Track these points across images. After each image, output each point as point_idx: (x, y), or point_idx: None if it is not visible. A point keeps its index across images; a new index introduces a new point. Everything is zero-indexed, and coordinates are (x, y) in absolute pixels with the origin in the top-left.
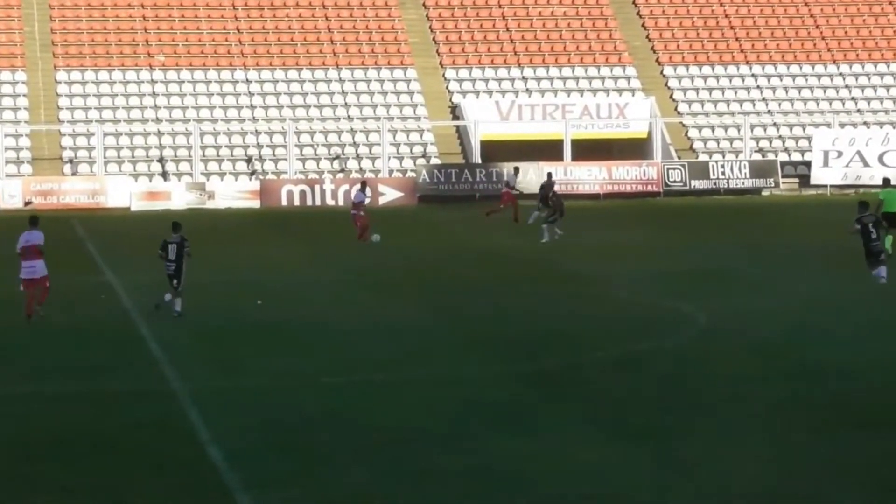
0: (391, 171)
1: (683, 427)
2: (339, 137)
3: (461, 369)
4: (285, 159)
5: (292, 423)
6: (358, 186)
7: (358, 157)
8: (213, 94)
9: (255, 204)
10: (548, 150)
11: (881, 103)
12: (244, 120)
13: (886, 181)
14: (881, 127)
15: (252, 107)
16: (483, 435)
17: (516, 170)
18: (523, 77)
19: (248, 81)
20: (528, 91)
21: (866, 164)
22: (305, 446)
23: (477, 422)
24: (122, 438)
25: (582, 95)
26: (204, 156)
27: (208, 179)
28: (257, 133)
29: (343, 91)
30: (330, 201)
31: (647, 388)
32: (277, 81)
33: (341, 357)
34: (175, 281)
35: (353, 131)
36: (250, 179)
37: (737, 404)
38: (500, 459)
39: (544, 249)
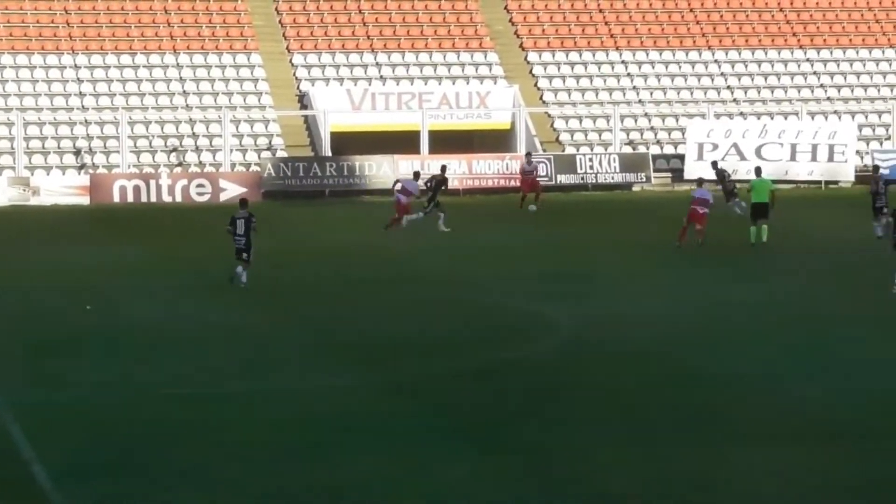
0: (234, 165)
1: (553, 439)
2: (177, 129)
3: (311, 379)
4: (118, 152)
5: (125, 440)
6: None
7: (197, 150)
8: (38, 81)
9: (85, 200)
10: (403, 142)
11: (758, 92)
12: (72, 109)
13: (758, 170)
14: (758, 118)
15: (81, 94)
16: (337, 450)
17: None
18: (377, 63)
19: (76, 67)
20: (383, 78)
21: (743, 158)
22: (139, 464)
23: (329, 436)
24: None
25: (440, 83)
26: (28, 148)
27: (33, 174)
28: (87, 123)
29: (181, 78)
30: (167, 197)
31: (514, 399)
32: (109, 67)
33: (180, 367)
34: (245, 254)
35: (191, 122)
36: (79, 174)
37: (608, 414)
38: (356, 477)
39: (400, 249)
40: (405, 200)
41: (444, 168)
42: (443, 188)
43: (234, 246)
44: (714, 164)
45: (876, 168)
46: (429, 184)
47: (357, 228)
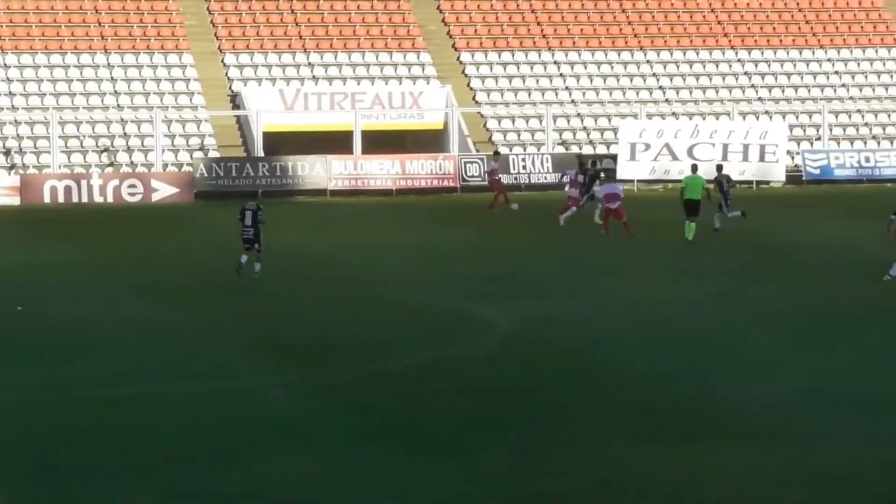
0: (165, 165)
1: (486, 438)
2: (108, 128)
3: (241, 380)
4: (48, 152)
5: (48, 442)
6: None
7: (129, 150)
8: None
9: (15, 201)
10: (336, 142)
11: (690, 92)
12: (2, 109)
13: (694, 168)
14: (690, 118)
15: (11, 94)
16: (265, 453)
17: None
18: (309, 63)
19: (5, 66)
20: (315, 78)
21: (675, 158)
22: (62, 467)
23: (258, 438)
24: None
25: (373, 83)
26: None
27: None
28: (17, 123)
29: (112, 78)
30: (98, 198)
31: (447, 399)
32: (39, 67)
33: (109, 368)
34: (256, 245)
35: (123, 122)
36: (9, 174)
37: (543, 415)
38: (284, 480)
39: (334, 249)
40: (575, 193)
41: (594, 163)
42: (598, 181)
43: (242, 236)
44: (719, 167)
45: (720, 167)
46: (583, 178)
47: (290, 229)
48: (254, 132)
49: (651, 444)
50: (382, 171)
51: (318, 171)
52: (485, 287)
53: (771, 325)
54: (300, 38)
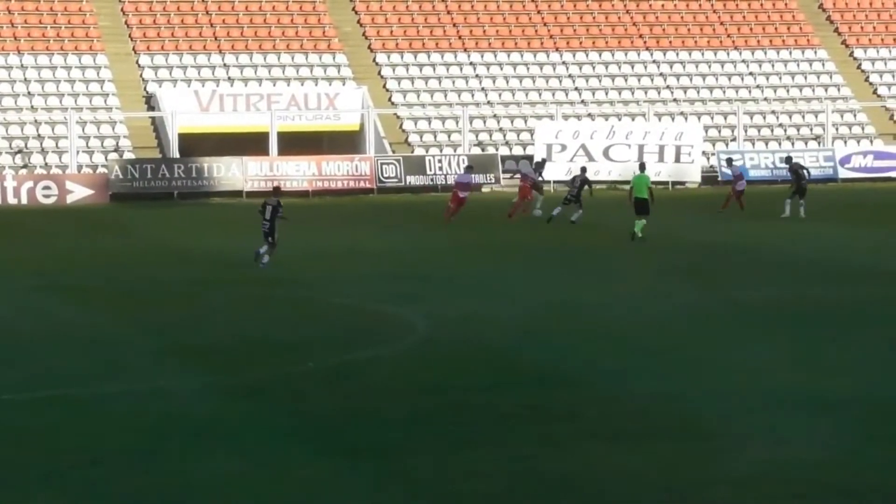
0: (80, 167)
1: (408, 440)
2: (22, 130)
3: (159, 382)
4: None
5: None
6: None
7: (43, 152)
8: None
9: None
10: (252, 143)
11: (606, 94)
12: None
13: (642, 166)
14: (606, 119)
15: None
16: (185, 455)
17: (541, 162)
18: (225, 65)
19: None
20: (231, 80)
21: (592, 159)
22: None
23: (179, 440)
24: None
25: (289, 85)
26: None
27: None
28: None
29: (26, 79)
30: (12, 199)
31: (366, 400)
32: None
33: (24, 371)
34: (270, 238)
35: (37, 123)
36: None
37: (464, 415)
38: (203, 481)
39: (251, 251)
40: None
41: (584, 169)
42: (587, 187)
43: (261, 229)
44: (788, 158)
45: (584, 169)
46: (574, 183)
47: (206, 230)
48: (169, 134)
49: (571, 444)
50: (298, 173)
51: (234, 173)
52: (405, 287)
53: (692, 324)
54: (215, 39)
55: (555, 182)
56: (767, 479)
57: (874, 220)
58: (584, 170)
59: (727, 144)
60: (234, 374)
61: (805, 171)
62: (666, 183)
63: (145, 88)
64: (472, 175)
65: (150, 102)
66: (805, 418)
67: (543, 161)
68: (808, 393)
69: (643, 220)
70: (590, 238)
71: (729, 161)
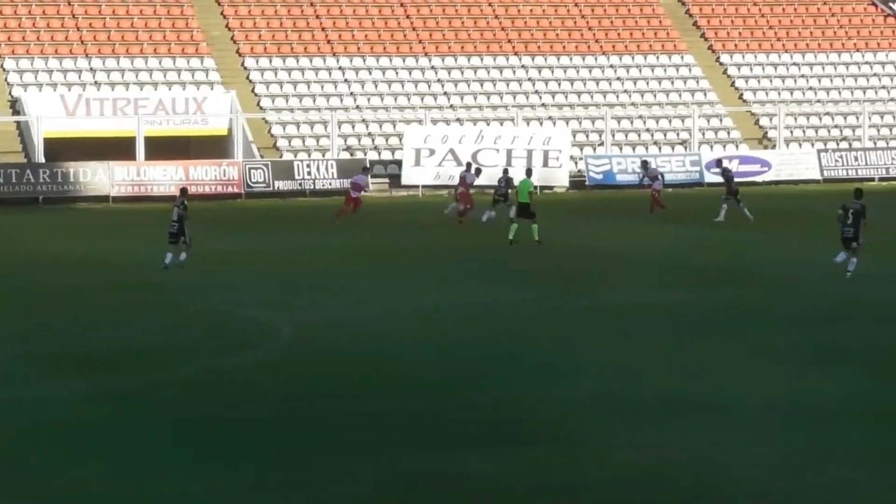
0: None
1: (275, 446)
2: None
3: (25, 389)
4: None
5: None
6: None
7: None
8: None
9: None
10: (119, 148)
11: (474, 98)
12: None
13: (529, 172)
14: (475, 123)
15: None
16: (52, 463)
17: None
18: (91, 69)
19: None
20: (97, 84)
21: (460, 163)
22: None
23: (46, 448)
24: None
25: (156, 89)
26: None
27: None
28: None
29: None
30: None
31: (234, 406)
32: None
33: None
34: (182, 238)
35: None
36: None
37: (332, 421)
38: (71, 489)
39: (118, 256)
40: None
41: (506, 170)
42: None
43: (168, 230)
44: (719, 162)
45: (505, 171)
46: (500, 183)
47: (72, 236)
48: (34, 138)
49: (437, 449)
50: (166, 178)
51: (100, 178)
52: (272, 293)
53: (559, 328)
54: (82, 42)
55: (423, 187)
56: (630, 482)
57: (739, 225)
58: (506, 171)
59: (595, 149)
60: (102, 381)
61: (729, 174)
62: (534, 187)
63: (10, 93)
64: (368, 177)
65: (15, 107)
66: (667, 421)
67: (475, 167)
68: (670, 396)
69: (534, 225)
70: (460, 242)
71: (644, 164)
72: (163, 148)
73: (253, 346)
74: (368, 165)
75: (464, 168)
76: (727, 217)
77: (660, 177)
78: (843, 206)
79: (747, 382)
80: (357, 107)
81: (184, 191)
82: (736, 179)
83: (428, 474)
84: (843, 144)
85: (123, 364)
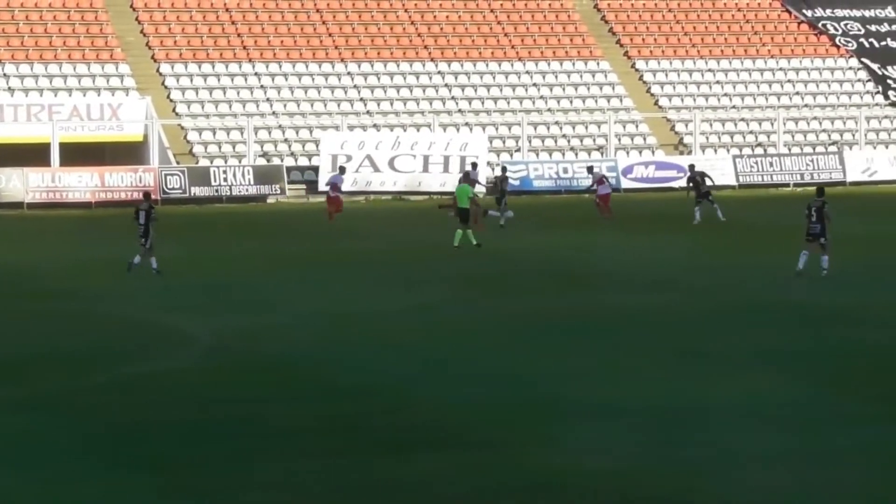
0: None
1: (192, 454)
2: None
3: None
4: None
5: None
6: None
7: None
8: None
9: None
10: (33, 154)
11: (391, 104)
12: None
13: (466, 176)
14: (391, 129)
15: None
16: None
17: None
18: (4, 74)
19: None
20: (11, 90)
21: (377, 170)
22: None
23: None
24: None
25: (71, 95)
26: None
27: None
28: None
29: None
30: None
31: (149, 413)
32: None
33: None
34: (144, 240)
35: None
36: None
37: (248, 428)
38: None
39: (33, 263)
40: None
41: (504, 168)
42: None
43: (137, 233)
44: (691, 167)
45: (504, 169)
46: (496, 184)
47: None
48: None
49: (356, 455)
50: (81, 184)
51: (14, 184)
52: (188, 299)
53: (482, 334)
54: None
55: (343, 193)
56: (545, 488)
57: (658, 229)
58: (504, 169)
59: (511, 155)
60: (15, 388)
61: (706, 179)
62: (451, 193)
63: None
64: (343, 176)
65: None
66: (588, 427)
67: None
68: (592, 401)
69: (466, 232)
70: (384, 248)
71: (589, 169)
72: (78, 154)
73: (168, 352)
74: (344, 165)
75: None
76: (703, 217)
77: (605, 181)
78: (808, 206)
79: (674, 387)
80: (273, 113)
81: (147, 194)
82: (650, 185)
83: (345, 481)
84: (759, 151)
85: (36, 371)
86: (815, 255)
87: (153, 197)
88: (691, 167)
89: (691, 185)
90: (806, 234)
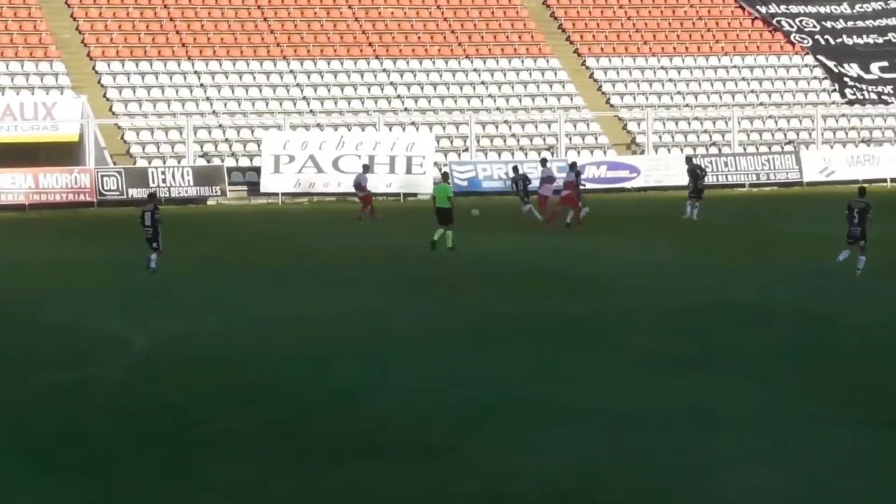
0: None
1: (128, 460)
2: None
3: None
4: None
5: None
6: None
7: None
8: None
9: None
10: None
11: (335, 103)
12: None
13: (445, 176)
14: (336, 129)
15: None
16: None
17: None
18: None
19: None
20: None
21: (321, 170)
22: None
23: None
24: None
25: (3, 93)
26: None
27: None
28: None
29: None
30: None
31: (86, 419)
32: None
33: None
34: (154, 244)
35: None
36: None
37: (187, 434)
38: None
39: None
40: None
41: (516, 168)
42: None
43: (144, 236)
44: (688, 158)
45: (515, 168)
46: (517, 183)
47: None
48: None
49: (299, 461)
50: (14, 186)
51: None
52: (126, 304)
53: (432, 336)
54: None
55: (283, 195)
56: (499, 492)
57: (613, 230)
58: (516, 168)
59: (459, 155)
60: None
61: (701, 171)
62: (398, 195)
63: None
64: (367, 175)
65: None
66: (544, 430)
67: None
68: (547, 404)
69: (450, 231)
70: (332, 250)
71: (543, 161)
72: (11, 155)
73: (105, 357)
74: (368, 163)
75: (361, 168)
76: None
77: (552, 181)
78: (849, 206)
79: (628, 390)
80: (213, 112)
81: (152, 195)
82: (602, 185)
83: (287, 488)
84: (713, 150)
85: None
86: (853, 256)
87: (157, 197)
88: (689, 159)
89: (690, 177)
90: (847, 237)
